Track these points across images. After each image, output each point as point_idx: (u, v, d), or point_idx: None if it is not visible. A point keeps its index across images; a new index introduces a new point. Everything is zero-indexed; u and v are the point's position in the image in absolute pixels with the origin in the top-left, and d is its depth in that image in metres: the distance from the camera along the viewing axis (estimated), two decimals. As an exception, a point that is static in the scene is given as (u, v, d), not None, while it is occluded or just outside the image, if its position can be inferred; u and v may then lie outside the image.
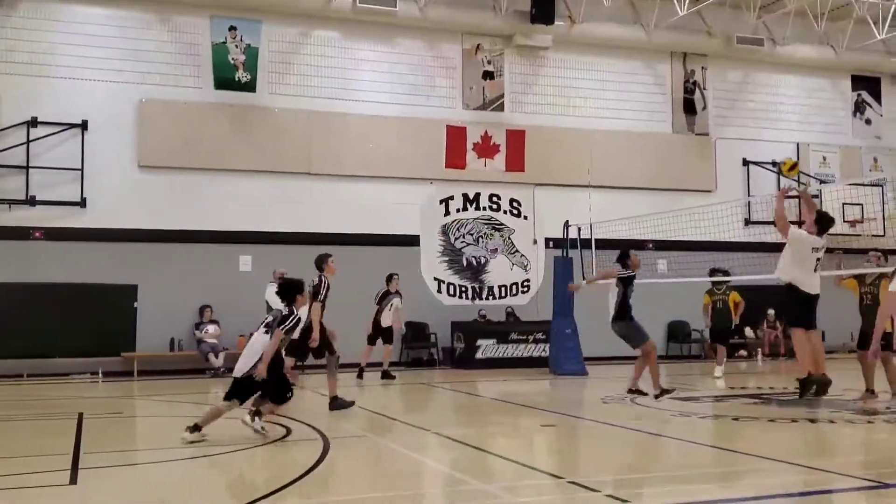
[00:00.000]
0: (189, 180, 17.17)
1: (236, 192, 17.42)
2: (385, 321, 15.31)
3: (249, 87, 17.60)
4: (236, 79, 17.55)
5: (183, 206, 17.06)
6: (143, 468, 7.44)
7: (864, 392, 10.75)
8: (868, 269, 11.02)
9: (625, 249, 11.67)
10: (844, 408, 10.49)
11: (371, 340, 15.33)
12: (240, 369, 8.37)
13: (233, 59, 17.56)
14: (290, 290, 8.78)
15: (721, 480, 6.68)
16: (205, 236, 17.16)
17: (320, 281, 10.90)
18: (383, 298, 15.45)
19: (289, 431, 8.92)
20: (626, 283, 11.33)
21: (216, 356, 16.45)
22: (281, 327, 8.31)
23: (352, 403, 10.28)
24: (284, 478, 6.46)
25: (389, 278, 15.55)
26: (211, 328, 16.73)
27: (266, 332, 8.40)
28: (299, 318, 8.62)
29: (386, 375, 15.01)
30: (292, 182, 17.79)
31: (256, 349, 8.32)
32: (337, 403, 10.23)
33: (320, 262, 11.19)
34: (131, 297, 16.64)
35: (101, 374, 15.88)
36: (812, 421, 9.41)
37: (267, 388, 8.35)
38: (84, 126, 16.64)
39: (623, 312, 11.29)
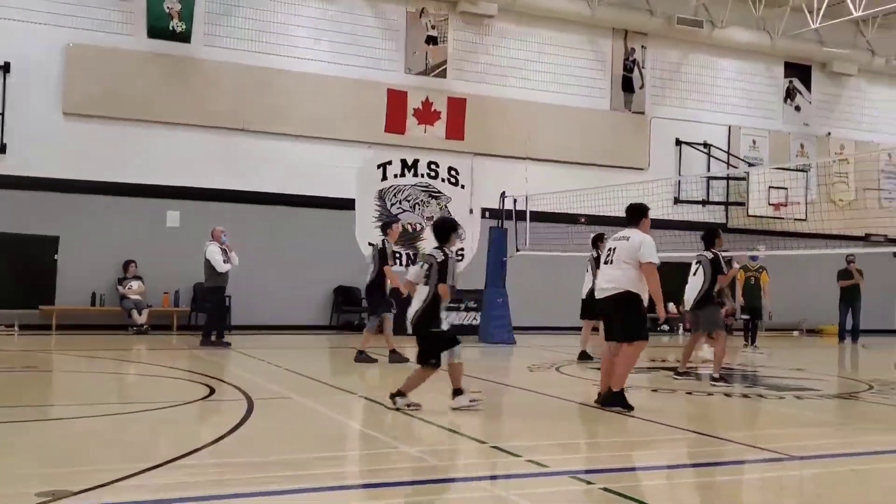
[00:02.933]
0: (116, 130, 16.64)
1: (166, 145, 16.96)
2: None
3: (184, 37, 17.08)
4: (170, 28, 17.01)
5: (109, 156, 16.53)
6: (57, 424, 7.25)
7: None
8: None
9: (714, 229, 11.30)
10: (761, 383, 10.84)
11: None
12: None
13: (168, 7, 17.00)
14: (445, 229, 7.99)
15: (637, 448, 6.84)
16: (131, 189, 16.69)
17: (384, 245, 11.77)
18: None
19: (212, 391, 8.80)
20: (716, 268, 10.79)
21: (139, 313, 16.11)
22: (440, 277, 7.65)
23: (407, 359, 11.04)
24: (206, 437, 6.37)
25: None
26: (135, 284, 16.35)
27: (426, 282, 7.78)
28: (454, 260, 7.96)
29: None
30: (225, 138, 17.40)
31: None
32: (395, 357, 11.37)
33: (384, 227, 12.10)
34: (52, 248, 16.15)
35: (17, 327, 15.39)
36: (727, 395, 9.68)
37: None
38: (6, 68, 15.96)
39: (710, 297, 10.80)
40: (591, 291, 12.63)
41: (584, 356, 12.80)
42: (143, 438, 6.66)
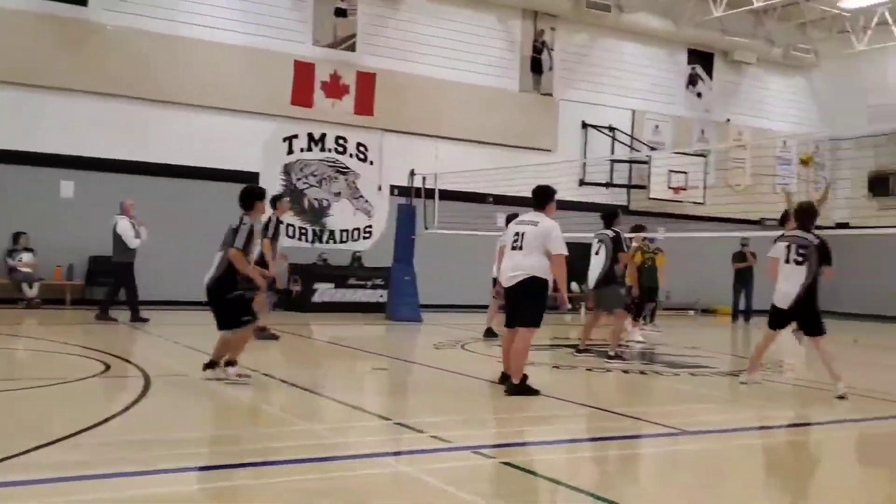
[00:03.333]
0: (6, 95, 15.79)
1: (60, 112, 16.20)
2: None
3: (80, 0, 16.32)
4: (66, -10, 16.21)
5: (-1, 123, 15.72)
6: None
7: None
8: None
9: (614, 209, 11.36)
10: (657, 361, 11.19)
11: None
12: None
13: (64, -33, 16.20)
14: (248, 195, 7.97)
15: (538, 424, 6.97)
16: (22, 157, 15.88)
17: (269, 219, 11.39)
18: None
19: (108, 367, 8.54)
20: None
21: (30, 286, 15.43)
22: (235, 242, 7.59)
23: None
24: (99, 415, 6.17)
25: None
26: (25, 256, 15.64)
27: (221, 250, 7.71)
28: (251, 227, 7.80)
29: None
30: (123, 106, 16.74)
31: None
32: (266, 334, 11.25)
33: (273, 201, 11.69)
34: (-64, 217, 15.30)
35: None
36: (625, 372, 9.96)
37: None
38: None
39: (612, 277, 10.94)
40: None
41: (489, 333, 12.96)
42: (34, 416, 6.40)
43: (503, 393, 7.84)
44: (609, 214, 11.23)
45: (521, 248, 7.89)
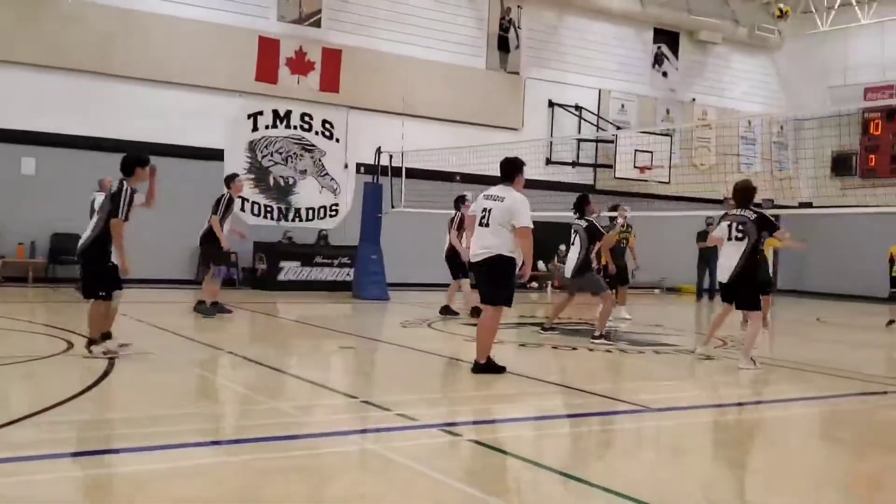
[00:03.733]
0: (-35, 70, 15.46)
1: (20, 86, 15.87)
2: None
3: (40, -28, 15.95)
4: (25, -39, 15.83)
5: (-44, 97, 15.36)
6: None
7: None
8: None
9: (584, 196, 11.22)
10: (623, 339, 11.31)
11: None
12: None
13: (21, -62, 15.80)
14: (128, 162, 7.89)
15: (505, 402, 7.01)
16: (-19, 133, 15.60)
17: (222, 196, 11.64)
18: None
19: (71, 345, 8.43)
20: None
21: (-9, 264, 15.19)
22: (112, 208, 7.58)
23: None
24: (63, 393, 6.10)
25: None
26: (-14, 234, 15.37)
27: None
28: (131, 193, 7.72)
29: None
30: (86, 81, 16.44)
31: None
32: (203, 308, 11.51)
33: (228, 180, 11.98)
34: None
35: None
36: (590, 350, 10.05)
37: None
38: None
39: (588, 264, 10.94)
40: (451, 249, 12.94)
41: (446, 310, 13.02)
42: (-7, 396, 6.31)
43: (470, 370, 7.82)
44: (579, 201, 11.12)
45: (487, 224, 7.71)
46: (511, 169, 7.93)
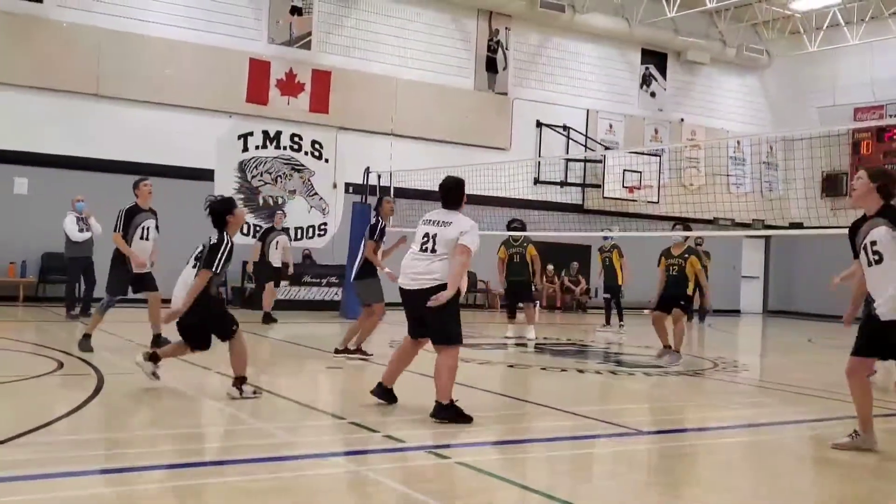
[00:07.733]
0: (-44, 90, 15.49)
1: (14, 108, 15.96)
2: (275, 261, 14.49)
3: (34, -5, 16.03)
4: (18, -15, 15.91)
5: (-52, 118, 15.38)
6: None
7: (661, 349, 11.33)
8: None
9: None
10: (613, 360, 11.33)
11: (268, 280, 14.55)
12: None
13: (14, -39, 15.89)
14: (219, 212, 7.16)
15: (491, 423, 7.01)
16: (-27, 154, 15.61)
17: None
18: (266, 235, 14.69)
19: (61, 365, 8.42)
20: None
21: (-19, 284, 15.16)
22: (210, 262, 7.03)
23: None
24: (52, 413, 6.10)
25: (273, 214, 14.68)
26: (-25, 254, 15.35)
27: (195, 265, 7.17)
28: (232, 246, 7.19)
29: (267, 318, 14.31)
30: (78, 102, 16.51)
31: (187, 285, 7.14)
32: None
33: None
34: None
35: None
36: (580, 371, 10.07)
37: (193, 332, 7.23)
38: None
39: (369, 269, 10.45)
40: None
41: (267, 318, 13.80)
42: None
43: (373, 394, 7.17)
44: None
45: (432, 250, 6.77)
46: (457, 194, 7.03)
